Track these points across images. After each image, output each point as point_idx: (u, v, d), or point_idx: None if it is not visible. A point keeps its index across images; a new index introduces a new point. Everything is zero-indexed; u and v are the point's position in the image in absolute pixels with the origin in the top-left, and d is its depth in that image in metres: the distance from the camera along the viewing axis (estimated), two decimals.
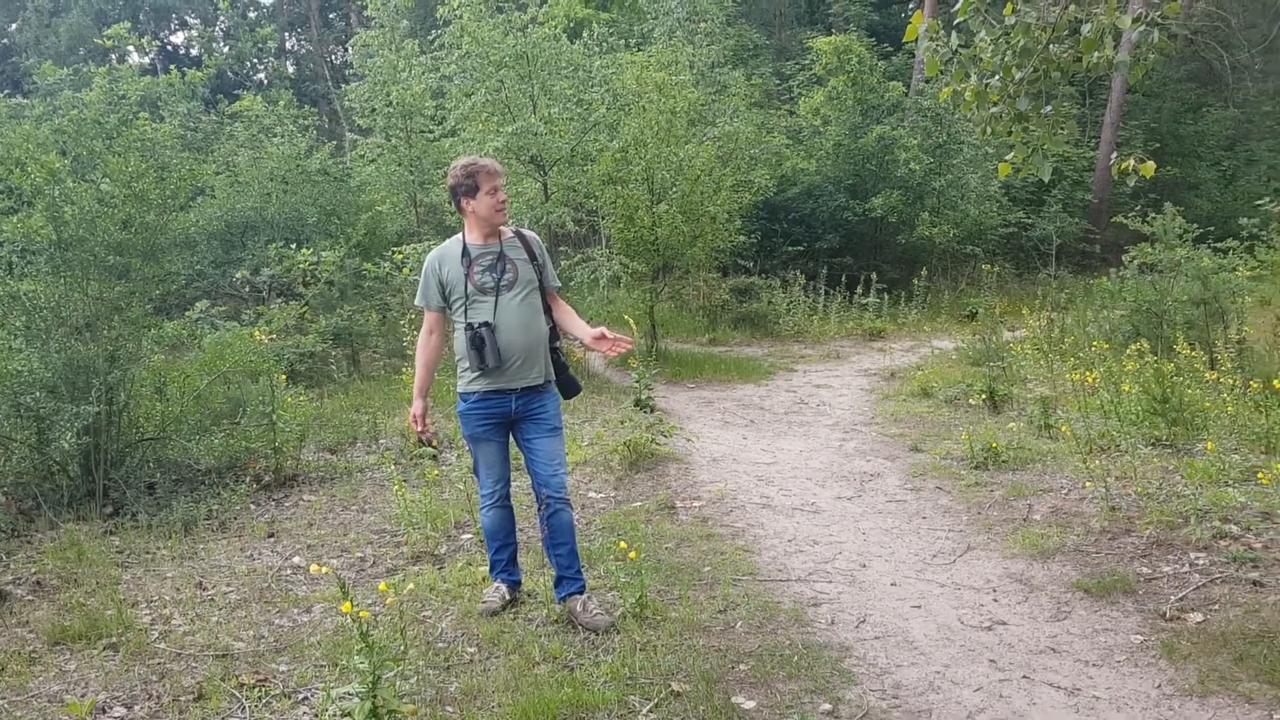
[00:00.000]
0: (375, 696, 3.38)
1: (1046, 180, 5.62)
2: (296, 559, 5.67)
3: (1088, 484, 6.82)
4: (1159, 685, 4.11)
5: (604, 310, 13.48)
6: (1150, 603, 4.93)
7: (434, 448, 8.08)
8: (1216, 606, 4.78)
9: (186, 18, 32.76)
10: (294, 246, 10.89)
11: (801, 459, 8.44)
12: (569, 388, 5.00)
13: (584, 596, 4.78)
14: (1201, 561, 5.33)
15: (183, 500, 6.44)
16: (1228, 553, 5.34)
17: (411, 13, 14.95)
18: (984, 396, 10.21)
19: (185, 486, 6.72)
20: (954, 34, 5.14)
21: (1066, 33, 5.26)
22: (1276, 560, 5.20)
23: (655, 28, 17.80)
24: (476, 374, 4.71)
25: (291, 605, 4.97)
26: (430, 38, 12.72)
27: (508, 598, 4.93)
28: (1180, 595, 4.94)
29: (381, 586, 4.08)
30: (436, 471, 6.78)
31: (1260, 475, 5.88)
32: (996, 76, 5.40)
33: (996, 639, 4.65)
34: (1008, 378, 10.92)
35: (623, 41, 14.60)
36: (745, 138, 14.78)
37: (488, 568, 5.22)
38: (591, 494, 7.12)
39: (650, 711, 3.86)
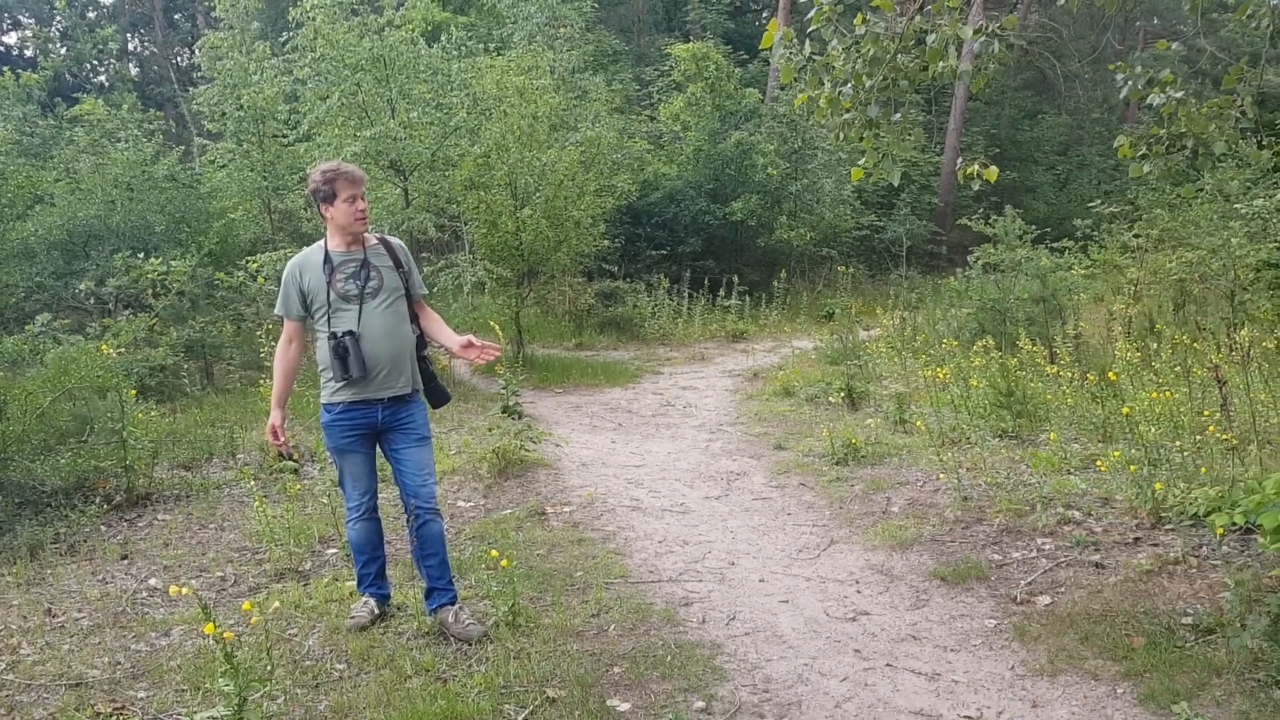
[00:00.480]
0: (241, 719, 3.29)
1: (896, 184, 5.83)
2: (153, 580, 5.45)
3: (941, 476, 7.10)
4: (1012, 667, 4.33)
5: (469, 317, 13.34)
6: (1002, 588, 5.18)
7: (294, 461, 7.88)
8: (1062, 589, 5.05)
9: (20, 17, 31.04)
10: (141, 256, 10.43)
11: (669, 460, 8.55)
12: (437, 396, 4.96)
13: (455, 607, 4.73)
14: (1048, 547, 5.62)
15: (27, 524, 6.11)
16: (1071, 537, 5.64)
17: (262, 14, 14.49)
18: (842, 395, 10.52)
19: (29, 509, 6.38)
20: (808, 42, 5.28)
21: (913, 42, 5.48)
22: (1115, 543, 5.52)
23: (514, 32, 17.75)
24: (341, 384, 4.62)
25: (149, 629, 4.78)
26: (282, 40, 12.37)
27: (376, 612, 4.84)
28: (1029, 580, 5.20)
29: (245, 605, 3.95)
30: (299, 485, 6.61)
31: (1099, 463, 6.23)
32: (849, 84, 5.59)
33: (860, 629, 4.81)
34: (864, 376, 11.29)
35: (481, 46, 14.51)
36: (607, 143, 14.85)
37: (355, 582, 5.13)
38: (460, 503, 7.05)
39: (528, 718, 3.85)
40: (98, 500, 6.51)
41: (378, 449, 4.83)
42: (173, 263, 10.25)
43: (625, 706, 3.99)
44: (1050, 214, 26.14)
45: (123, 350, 7.65)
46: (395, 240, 4.90)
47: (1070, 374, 9.14)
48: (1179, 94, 5.81)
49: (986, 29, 5.52)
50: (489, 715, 3.88)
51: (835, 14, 5.55)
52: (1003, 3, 27.68)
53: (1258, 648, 3.99)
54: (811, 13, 5.54)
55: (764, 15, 36.09)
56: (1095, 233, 17.90)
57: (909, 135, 6.54)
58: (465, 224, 13.39)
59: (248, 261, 11.03)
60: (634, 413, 10.92)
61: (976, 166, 5.90)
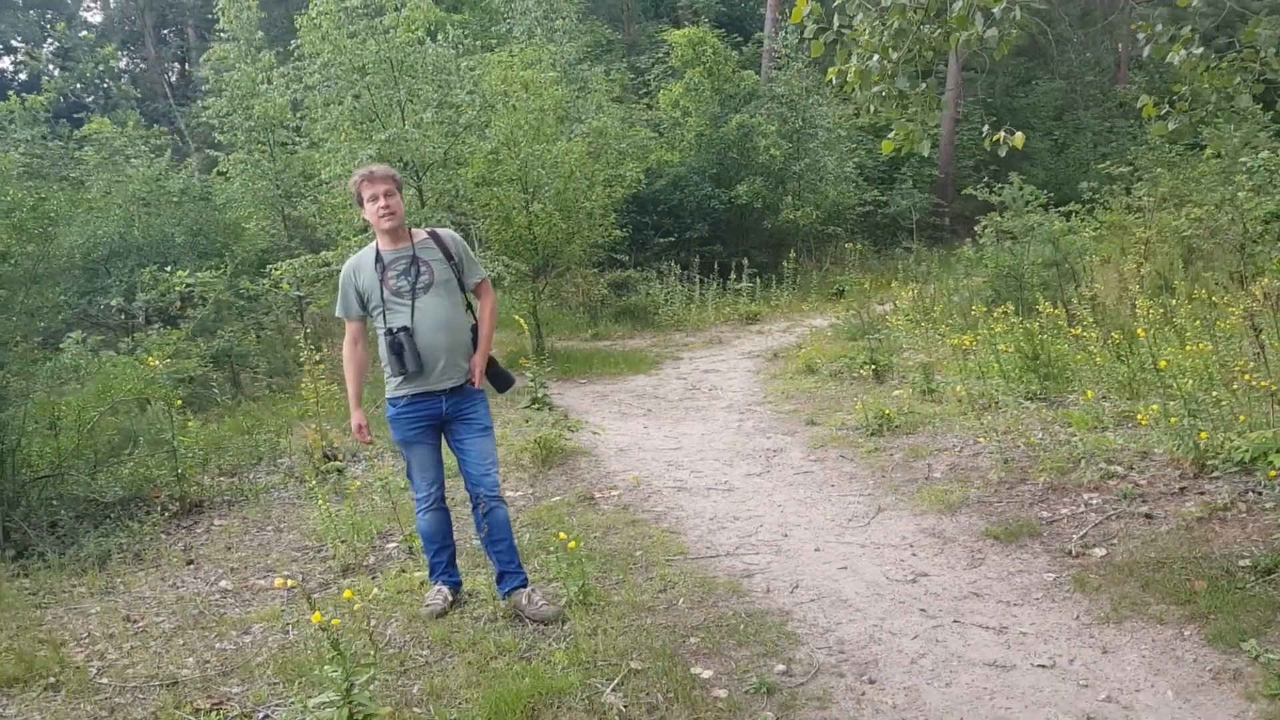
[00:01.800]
0: (351, 703, 3.40)
1: (926, 154, 5.92)
2: (224, 583, 5.57)
3: (982, 439, 7.22)
4: (1077, 616, 4.44)
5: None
6: (1055, 543, 5.29)
7: (339, 461, 8.01)
8: (1115, 540, 5.16)
9: (12, 41, 31.03)
10: (168, 269, 10.53)
11: (705, 441, 8.65)
12: (501, 381, 5.06)
13: (528, 589, 4.85)
14: (1095, 501, 5.73)
15: (90, 535, 6.23)
16: (1117, 491, 5.76)
17: (265, 23, 14.55)
18: (869, 368, 10.63)
19: (89, 521, 6.49)
20: (836, 17, 5.36)
21: (935, 13, 5.57)
22: (1161, 494, 5.63)
23: (513, 27, 17.81)
24: (400, 378, 4.73)
25: (229, 628, 4.89)
26: (290, 47, 12.45)
27: (450, 599, 4.95)
28: (1081, 534, 5.31)
29: (347, 593, 4.06)
30: (357, 483, 6.72)
31: (1140, 417, 6.33)
32: (876, 57, 5.68)
33: (922, 590, 4.93)
34: (886, 349, 11.37)
35: (478, 43, 14.59)
36: (614, 132, 14.94)
37: (425, 572, 5.25)
38: (509, 493, 7.15)
39: (614, 690, 3.97)
40: (158, 509, 6.61)
41: (442, 440, 4.94)
42: (198, 274, 10.36)
43: (708, 674, 4.10)
44: (1049, 179, 26.14)
45: (168, 361, 7.75)
46: (446, 231, 4.98)
47: (1093, 334, 9.23)
48: (1199, 50, 5.87)
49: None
50: (577, 689, 3.99)
51: None
52: None
53: None
54: None
55: None
56: (1099, 195, 17.95)
57: (937, 106, 6.59)
58: (477, 221, 13.45)
59: (271, 269, 11.12)
60: (661, 398, 11.02)
61: (1003, 134, 6.00)
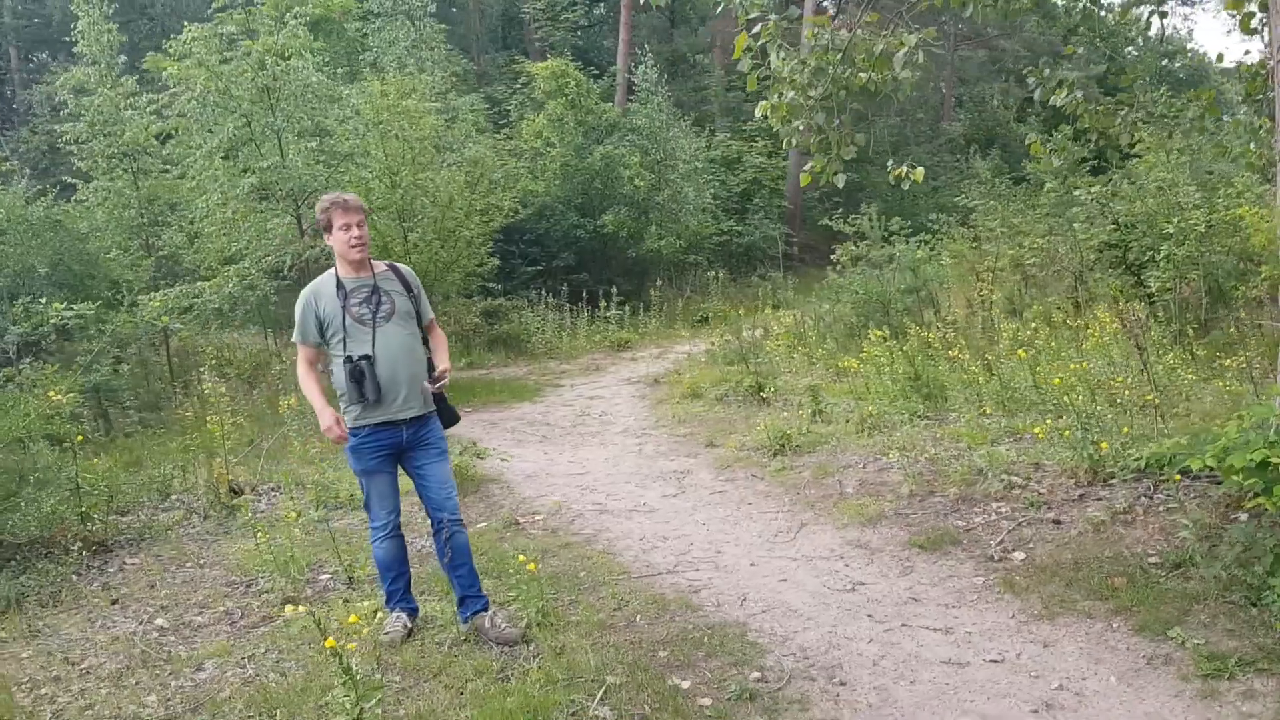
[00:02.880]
0: None
1: (840, 186, 6.27)
2: (159, 621, 5.37)
3: (883, 456, 7.60)
4: (1013, 615, 4.79)
5: None
6: (976, 549, 5.66)
7: (242, 495, 7.80)
8: (1032, 544, 5.57)
9: None
10: (43, 301, 9.99)
11: (610, 465, 8.80)
12: (447, 417, 5.11)
13: (489, 613, 4.89)
14: (1004, 510, 6.15)
15: (23, 579, 5.93)
16: (1023, 499, 6.19)
17: (126, 46, 14.00)
18: (754, 391, 10.99)
19: None
20: (774, 55, 5.65)
21: (839, 55, 5.93)
22: (1063, 501, 6.08)
23: (381, 56, 17.65)
24: (361, 408, 4.73)
25: (181, 666, 4.75)
26: (143, 70, 12.05)
27: (409, 626, 4.95)
28: (999, 540, 5.70)
29: (353, 618, 4.01)
30: (296, 514, 6.58)
31: (1037, 431, 6.81)
32: (792, 94, 6.01)
33: (863, 598, 5.20)
34: (769, 373, 11.77)
35: (339, 70, 14.45)
36: (489, 162, 15.00)
37: (371, 601, 5.24)
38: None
39: (601, 703, 4.07)
40: (65, 549, 6.31)
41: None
42: (74, 306, 9.87)
43: (687, 684, 4.24)
44: (887, 210, 27.50)
45: (72, 394, 7.40)
46: (404, 267, 5.06)
47: (966, 356, 9.81)
48: (1080, 94, 6.41)
49: (914, 41, 6.01)
50: (564, 705, 4.07)
51: (780, 31, 5.96)
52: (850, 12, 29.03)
53: (1227, 575, 4.55)
54: (758, 28, 5.94)
55: (600, 29, 36.65)
56: (939, 226, 18.99)
57: (852, 142, 6.94)
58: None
59: (145, 301, 10.69)
60: (553, 425, 11.12)
61: (905, 169, 6.42)
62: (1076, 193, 16.46)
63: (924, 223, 19.09)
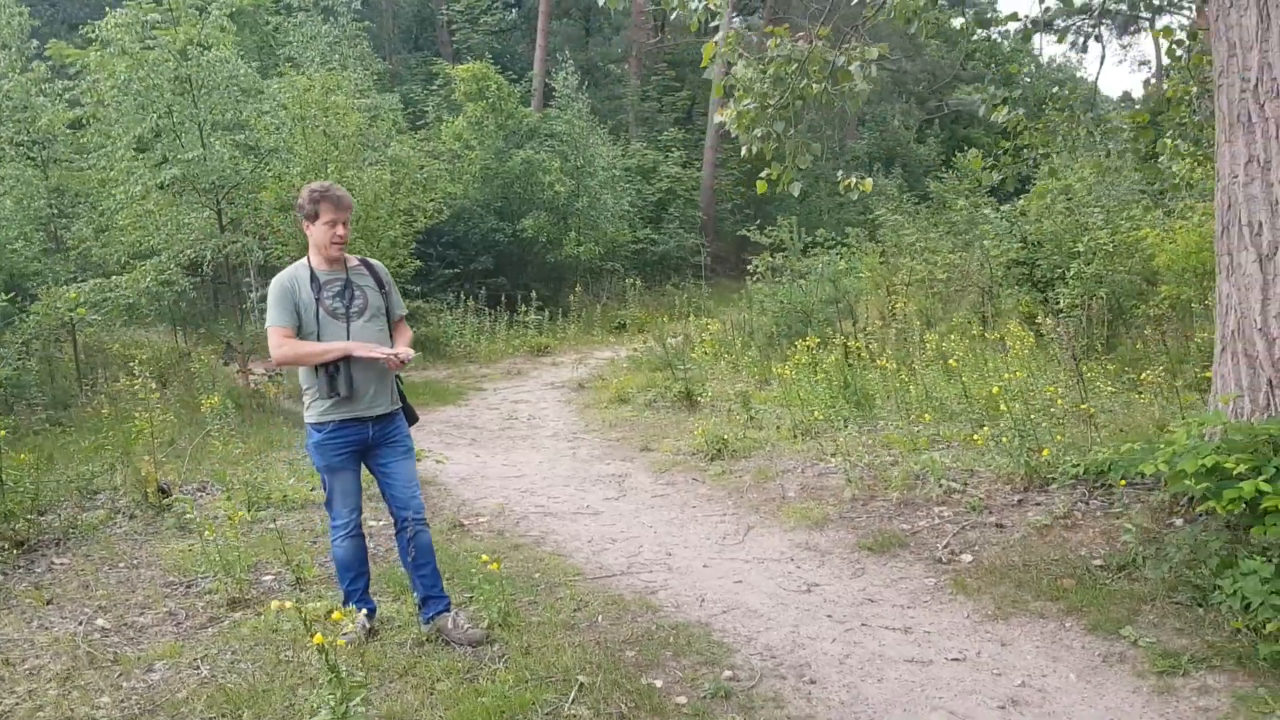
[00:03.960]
0: None
1: (795, 195, 6.38)
2: (100, 621, 5.17)
3: (821, 460, 7.73)
4: (968, 615, 4.91)
5: None
6: (924, 551, 5.80)
7: (166, 493, 7.56)
8: (978, 547, 5.72)
9: None
10: None
11: (545, 469, 8.77)
12: (409, 416, 5.05)
13: (452, 613, 4.83)
14: (946, 514, 6.31)
15: None
16: (964, 504, 6.35)
17: (40, 31, 13.43)
18: (682, 397, 11.07)
19: None
20: (740, 64, 5.73)
21: (812, 66, 6.05)
22: (1003, 505, 6.26)
23: (304, 51, 17.28)
24: (330, 403, 4.64)
25: (130, 666, 4.57)
26: (68, 61, 11.61)
27: (368, 626, 4.86)
28: (944, 543, 5.84)
29: (336, 615, 3.88)
30: (245, 512, 6.39)
31: (976, 439, 7.00)
32: (752, 103, 6.10)
33: (820, 598, 5.28)
34: (697, 379, 11.86)
35: (255, 64, 14.12)
36: (413, 162, 14.82)
37: (318, 602, 5.13)
38: (372, 523, 7.01)
39: (576, 702, 4.05)
40: (6, 547, 6.03)
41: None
42: None
43: (659, 683, 4.25)
44: (795, 223, 28.06)
45: None
46: (376, 263, 4.98)
47: (892, 365, 10.03)
48: (1021, 111, 6.64)
49: (867, 55, 6.16)
50: (538, 704, 4.04)
51: (739, 41, 6.05)
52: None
53: (1173, 577, 4.75)
54: (719, 35, 6.02)
55: (514, 35, 36.51)
56: (853, 240, 19.39)
57: (808, 151, 7.07)
58: (274, 248, 12.93)
59: (62, 293, 10.26)
60: (480, 428, 11.02)
61: (854, 179, 6.56)
62: (985, 211, 17.05)
63: (831, 236, 19.48)
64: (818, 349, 11.02)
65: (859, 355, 10.67)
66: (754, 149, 6.20)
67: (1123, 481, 5.33)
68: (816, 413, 9.16)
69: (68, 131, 12.31)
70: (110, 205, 11.42)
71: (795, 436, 8.77)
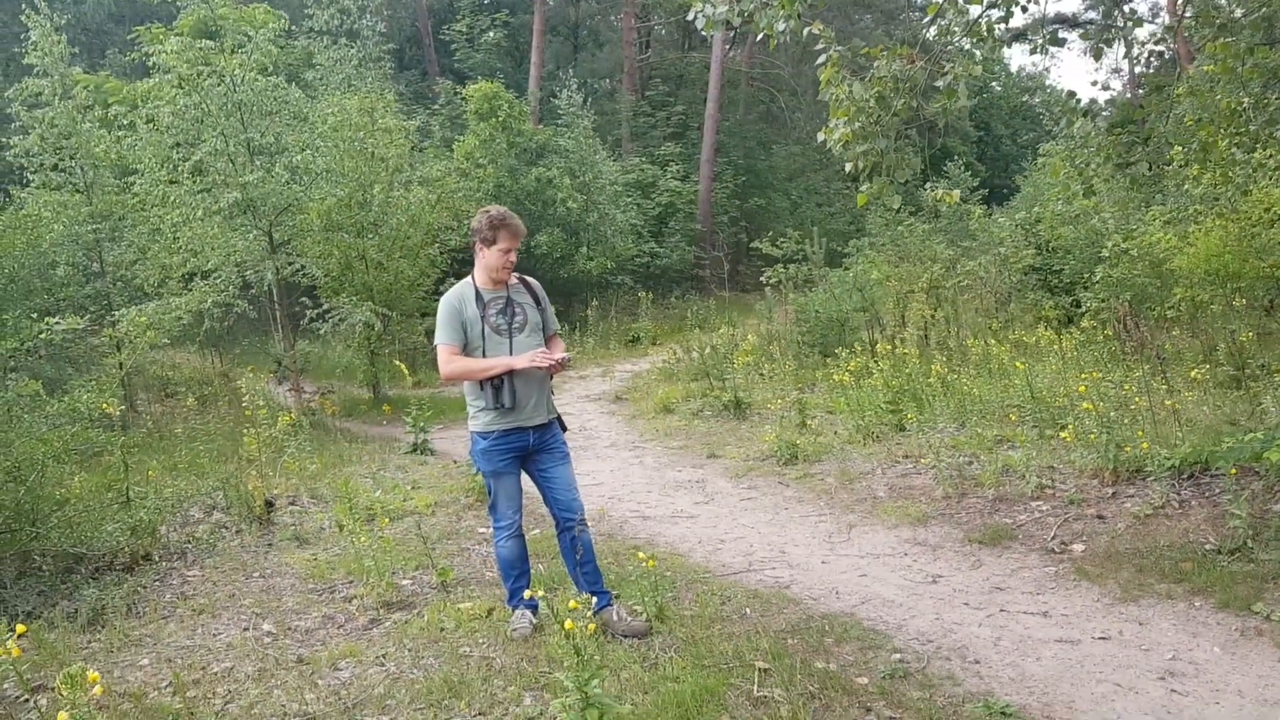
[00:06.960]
0: (591, 703, 3.60)
1: (895, 208, 6.67)
2: (266, 626, 5.37)
3: (899, 462, 8.02)
4: (1097, 599, 5.20)
5: (338, 362, 13.14)
6: (1034, 543, 6.08)
7: (271, 505, 7.76)
8: (1086, 538, 6.02)
9: None
10: (35, 316, 9.62)
11: (619, 476, 9.00)
12: (560, 425, 5.32)
13: (615, 607, 5.09)
14: (1044, 508, 6.60)
15: (71, 591, 5.80)
16: (1060, 498, 6.66)
17: (78, 59, 13.56)
18: (730, 406, 11.34)
19: (57, 578, 6.00)
20: (856, 84, 6.02)
21: (908, 85, 6.35)
22: (1098, 499, 6.57)
23: (328, 74, 17.47)
24: (494, 413, 4.90)
25: (318, 666, 4.77)
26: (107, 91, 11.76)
27: (534, 621, 5.10)
28: (1051, 534, 6.13)
29: (572, 604, 4.07)
30: (387, 520, 6.59)
31: (1064, 435, 7.30)
32: (859, 123, 6.38)
33: (948, 588, 5.55)
34: (744, 387, 12.13)
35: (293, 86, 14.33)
36: (450, 182, 15.06)
37: (473, 604, 5.38)
38: (481, 529, 7.24)
39: (764, 685, 4.30)
40: (157, 560, 6.22)
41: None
42: (65, 318, 9.52)
43: (833, 666, 4.51)
44: (817, 235, 28.48)
45: (114, 403, 7.25)
46: (533, 280, 5.26)
47: (950, 370, 10.35)
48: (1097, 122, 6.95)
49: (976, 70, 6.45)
50: (733, 686, 4.28)
51: (841, 66, 6.34)
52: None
53: None
54: (821, 59, 6.31)
55: (497, 52, 36.77)
56: (851, 251, 19.78)
57: (908, 165, 7.39)
58: (311, 267, 13.10)
59: (133, 315, 10.40)
60: None
61: (941, 191, 6.86)
62: (999, 219, 17.46)
63: (834, 247, 19.83)
64: (866, 355, 11.34)
65: (905, 361, 10.98)
66: (859, 165, 6.48)
67: (1233, 470, 5.64)
68: (879, 416, 9.44)
69: (115, 157, 12.45)
70: (164, 227, 11.56)
71: (861, 441, 9.07)
